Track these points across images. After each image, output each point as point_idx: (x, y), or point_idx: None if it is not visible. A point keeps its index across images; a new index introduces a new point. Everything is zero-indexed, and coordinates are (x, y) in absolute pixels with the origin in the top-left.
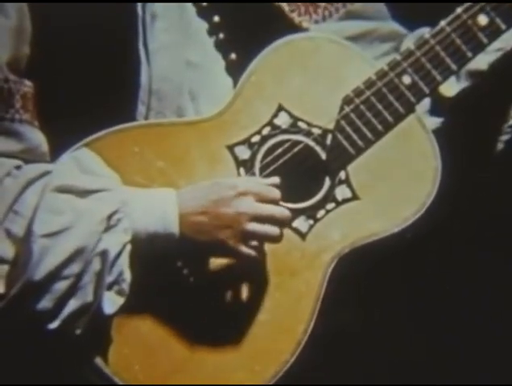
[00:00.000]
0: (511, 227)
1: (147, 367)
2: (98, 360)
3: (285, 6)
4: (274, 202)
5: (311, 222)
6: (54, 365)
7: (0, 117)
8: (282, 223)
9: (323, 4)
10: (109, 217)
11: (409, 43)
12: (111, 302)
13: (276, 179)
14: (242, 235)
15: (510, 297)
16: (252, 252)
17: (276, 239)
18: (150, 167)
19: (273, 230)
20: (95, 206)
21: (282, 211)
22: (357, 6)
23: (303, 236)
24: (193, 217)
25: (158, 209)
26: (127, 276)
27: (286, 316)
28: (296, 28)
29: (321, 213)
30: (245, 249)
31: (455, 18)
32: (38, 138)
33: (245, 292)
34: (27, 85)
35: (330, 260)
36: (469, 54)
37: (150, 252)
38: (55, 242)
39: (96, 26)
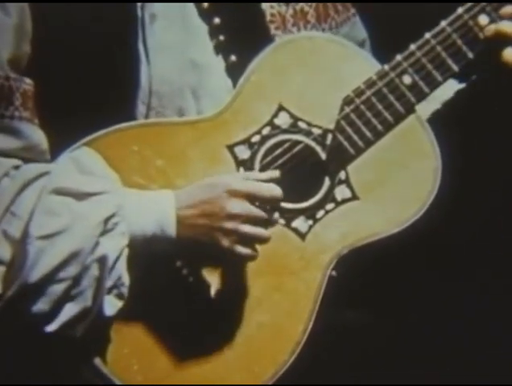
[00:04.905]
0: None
1: (146, 368)
2: (97, 360)
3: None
4: (276, 200)
5: (311, 222)
6: (53, 365)
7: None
8: (272, 224)
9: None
10: (106, 221)
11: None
12: (111, 306)
13: (275, 173)
14: (235, 236)
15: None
16: (246, 253)
17: (266, 241)
18: (149, 166)
19: (263, 232)
20: (92, 209)
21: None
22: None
23: (302, 236)
24: (189, 219)
25: (156, 212)
26: (126, 279)
27: (285, 316)
28: None
29: (321, 213)
30: (239, 250)
31: (456, 19)
32: (37, 136)
33: (244, 292)
34: (28, 83)
35: (329, 261)
36: (470, 54)
37: (148, 255)
38: (51, 244)
39: (95, 25)
